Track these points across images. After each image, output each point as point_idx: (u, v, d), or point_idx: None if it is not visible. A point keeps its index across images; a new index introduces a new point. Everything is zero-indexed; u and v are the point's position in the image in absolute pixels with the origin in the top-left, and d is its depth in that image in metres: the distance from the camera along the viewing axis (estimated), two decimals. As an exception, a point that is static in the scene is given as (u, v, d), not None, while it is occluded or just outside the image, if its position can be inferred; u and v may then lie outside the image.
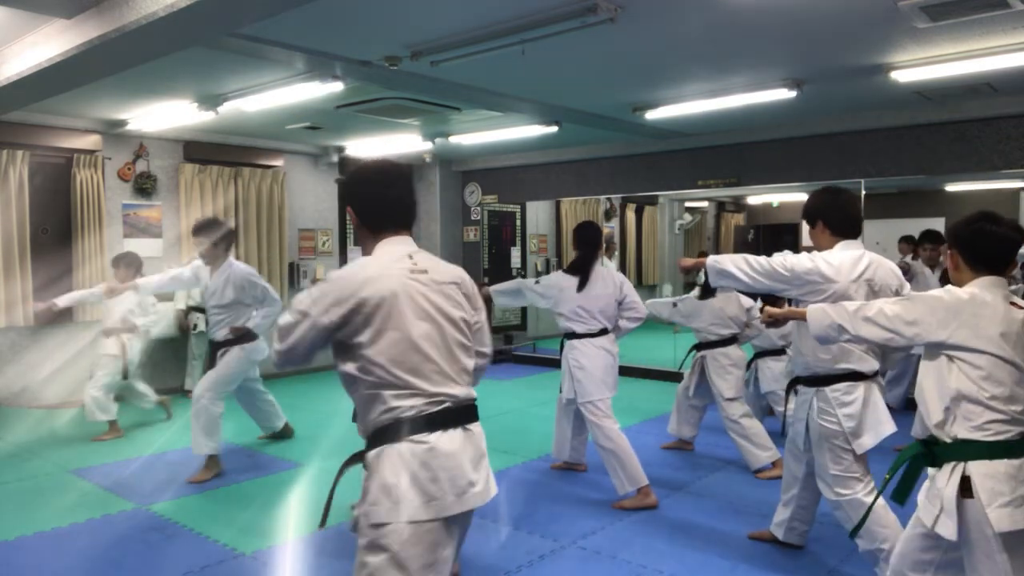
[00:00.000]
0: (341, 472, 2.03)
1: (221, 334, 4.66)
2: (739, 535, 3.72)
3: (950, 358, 2.18)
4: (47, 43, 4.01)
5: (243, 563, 3.47)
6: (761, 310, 4.78)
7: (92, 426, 5.65)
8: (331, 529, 3.77)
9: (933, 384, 2.22)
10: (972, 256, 2.27)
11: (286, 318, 1.93)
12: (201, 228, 4.66)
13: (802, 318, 2.56)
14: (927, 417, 2.23)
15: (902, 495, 2.40)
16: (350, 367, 1.90)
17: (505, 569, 3.33)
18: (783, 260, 3.03)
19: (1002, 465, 2.11)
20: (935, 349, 2.22)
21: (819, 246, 3.15)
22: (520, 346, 9.80)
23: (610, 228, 11.43)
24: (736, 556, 3.50)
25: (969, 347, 2.14)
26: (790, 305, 3.73)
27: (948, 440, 2.18)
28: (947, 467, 2.17)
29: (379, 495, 1.83)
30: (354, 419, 2.04)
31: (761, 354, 5.11)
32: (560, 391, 4.50)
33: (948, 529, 2.11)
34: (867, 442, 2.97)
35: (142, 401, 5.97)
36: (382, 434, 1.88)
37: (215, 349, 4.74)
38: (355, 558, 1.88)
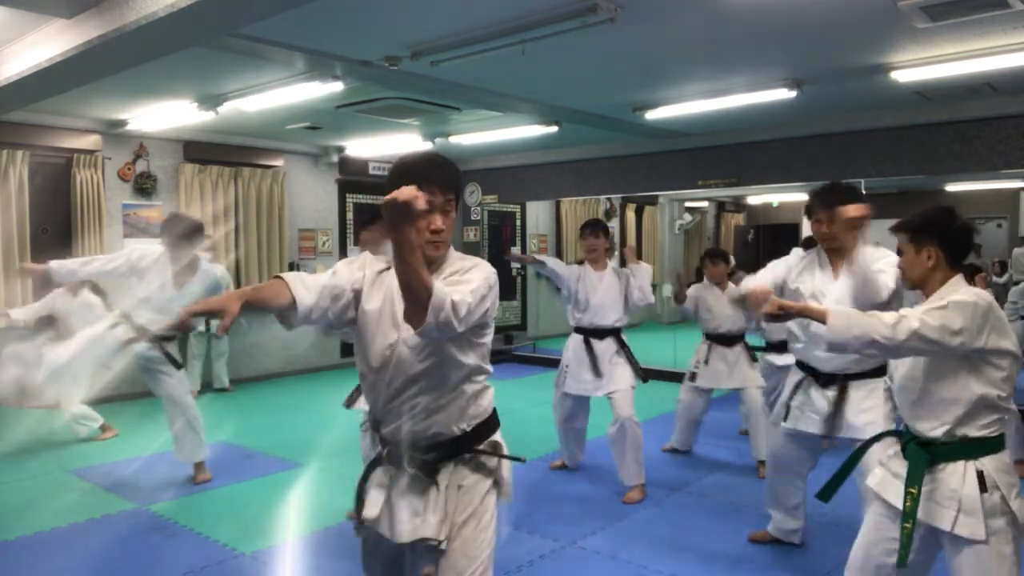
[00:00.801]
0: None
1: (171, 328, 4.34)
2: (739, 535, 3.72)
3: (971, 363, 2.11)
4: (47, 43, 4.01)
5: (243, 563, 3.47)
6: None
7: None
8: (331, 529, 3.77)
9: (946, 389, 2.14)
10: (955, 253, 2.22)
11: (474, 291, 1.74)
12: (167, 227, 4.36)
13: (819, 317, 2.27)
14: (930, 420, 2.18)
15: (828, 494, 2.47)
16: (475, 359, 1.90)
17: (505, 569, 3.33)
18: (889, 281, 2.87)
19: (1006, 457, 2.15)
20: (964, 356, 2.11)
21: (850, 244, 2.95)
22: (520, 346, 9.80)
23: (610, 228, 11.45)
24: (736, 556, 3.50)
25: (1000, 349, 2.10)
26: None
27: (953, 440, 2.14)
28: (954, 467, 2.13)
29: (509, 472, 2.04)
30: (361, 426, 2.05)
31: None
32: (574, 388, 4.44)
33: (973, 528, 2.07)
34: None
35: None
36: (490, 423, 2.00)
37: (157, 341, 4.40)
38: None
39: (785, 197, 10.56)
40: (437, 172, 1.84)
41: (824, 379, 3.18)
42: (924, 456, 2.18)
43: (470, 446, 1.94)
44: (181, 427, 4.49)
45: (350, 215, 8.98)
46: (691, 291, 4.98)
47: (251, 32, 3.92)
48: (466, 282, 1.77)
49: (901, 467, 2.24)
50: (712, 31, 4.05)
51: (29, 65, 4.20)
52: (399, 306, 1.81)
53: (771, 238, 11.34)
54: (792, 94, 5.20)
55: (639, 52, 4.47)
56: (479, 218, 9.54)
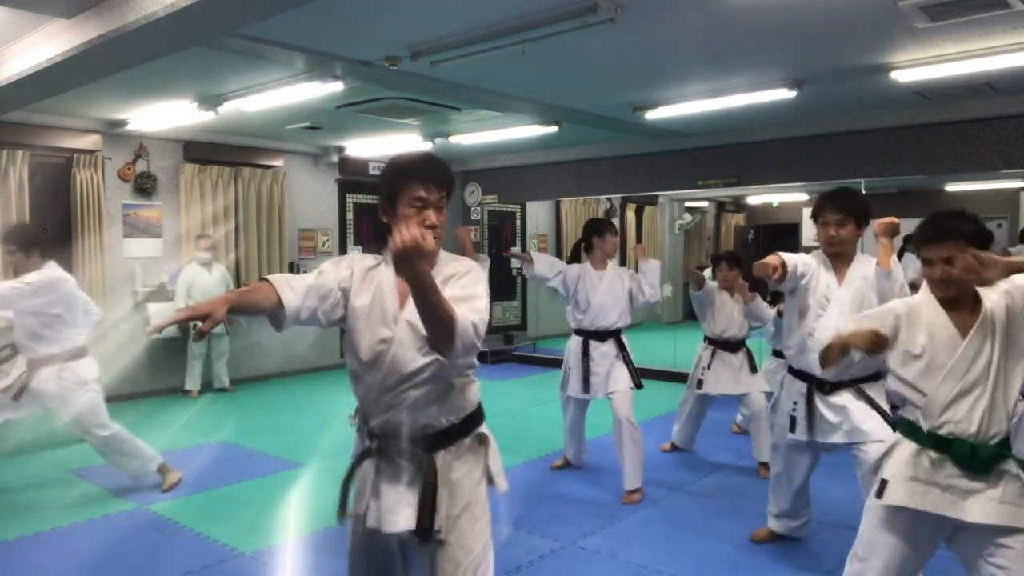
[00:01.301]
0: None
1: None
2: (739, 534, 3.72)
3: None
4: (47, 43, 4.01)
5: (243, 563, 3.47)
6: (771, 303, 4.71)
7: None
8: (331, 529, 3.77)
9: (1013, 389, 2.14)
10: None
11: (484, 307, 1.84)
12: (9, 236, 4.05)
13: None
14: (1002, 423, 2.14)
15: None
16: (469, 356, 1.92)
17: (505, 569, 3.33)
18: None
19: None
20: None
21: (851, 243, 3.14)
22: (520, 346, 9.81)
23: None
24: (736, 555, 3.51)
25: None
26: (782, 302, 3.68)
27: (1006, 439, 2.16)
28: (1008, 464, 2.14)
29: (499, 463, 2.09)
30: (351, 421, 2.06)
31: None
32: (600, 390, 4.37)
33: None
34: None
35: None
36: (476, 416, 2.03)
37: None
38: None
39: (785, 197, 10.55)
40: (434, 171, 1.91)
41: (830, 387, 3.12)
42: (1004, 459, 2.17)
43: (457, 438, 1.97)
44: (101, 447, 4.25)
45: (350, 215, 8.98)
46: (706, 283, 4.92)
47: (251, 32, 3.92)
48: (474, 298, 1.82)
49: (946, 476, 2.14)
50: (712, 31, 4.05)
51: (29, 65, 4.19)
52: (390, 302, 1.88)
53: (771, 238, 11.34)
54: (792, 94, 5.20)
55: (639, 52, 4.47)
56: (479, 218, 9.54)
